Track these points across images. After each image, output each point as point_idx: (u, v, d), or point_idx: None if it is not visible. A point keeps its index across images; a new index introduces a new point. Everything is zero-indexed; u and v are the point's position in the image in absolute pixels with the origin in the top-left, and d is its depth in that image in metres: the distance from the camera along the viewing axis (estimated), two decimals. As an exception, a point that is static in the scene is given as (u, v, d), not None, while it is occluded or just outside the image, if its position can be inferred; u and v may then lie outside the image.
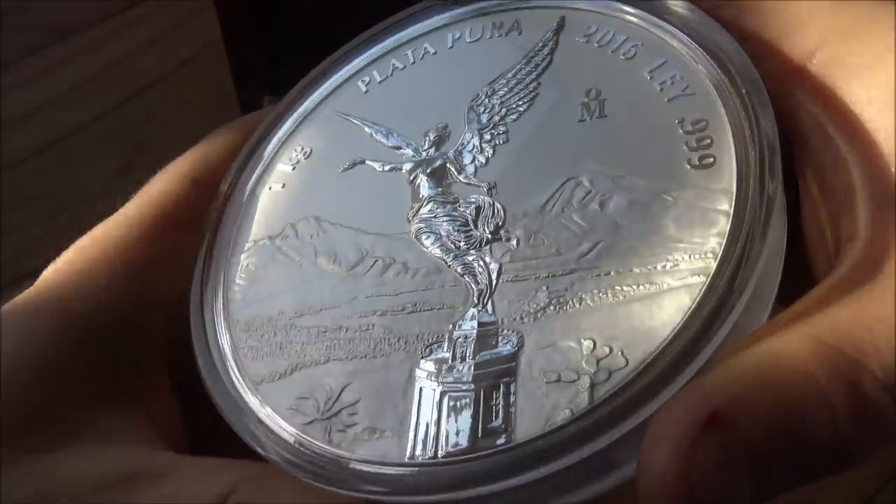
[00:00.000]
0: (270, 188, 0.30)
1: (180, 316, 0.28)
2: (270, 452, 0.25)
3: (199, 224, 0.29)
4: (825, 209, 0.25)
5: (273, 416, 0.25)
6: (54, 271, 0.27)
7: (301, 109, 0.31)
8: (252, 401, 0.26)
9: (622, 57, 0.27)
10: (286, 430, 0.25)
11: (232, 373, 0.26)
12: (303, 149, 0.30)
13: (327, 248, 0.28)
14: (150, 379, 0.27)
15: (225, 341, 0.27)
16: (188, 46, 0.66)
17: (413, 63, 0.30)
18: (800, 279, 0.24)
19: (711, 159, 0.25)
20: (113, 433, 0.25)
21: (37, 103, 0.65)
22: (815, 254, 0.25)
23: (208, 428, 0.27)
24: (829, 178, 0.25)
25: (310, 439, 0.25)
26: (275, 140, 0.30)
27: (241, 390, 0.26)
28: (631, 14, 0.28)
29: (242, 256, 0.29)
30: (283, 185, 0.30)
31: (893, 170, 0.23)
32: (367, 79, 0.31)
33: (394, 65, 0.30)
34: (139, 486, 0.23)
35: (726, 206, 0.24)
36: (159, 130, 0.66)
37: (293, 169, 0.30)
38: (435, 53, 0.30)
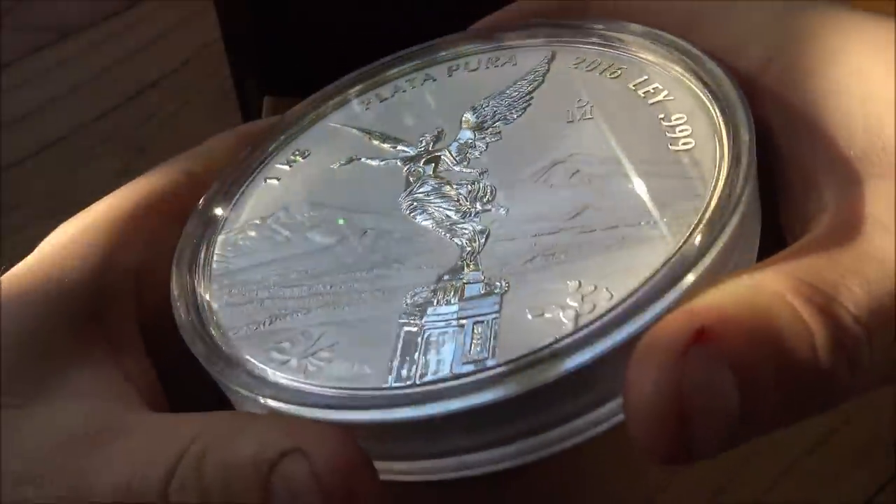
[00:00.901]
0: (266, 181, 0.31)
1: (160, 296, 0.28)
2: (243, 390, 0.25)
3: (186, 213, 0.30)
4: (793, 194, 0.27)
5: (249, 360, 0.26)
6: (45, 243, 0.29)
7: (301, 122, 0.32)
8: (228, 348, 0.26)
9: (609, 77, 0.30)
10: (260, 368, 0.25)
11: (209, 325, 0.27)
12: (300, 151, 0.31)
13: (319, 223, 0.29)
14: (121, 340, 0.28)
15: (203, 300, 0.28)
16: (188, 46, 0.66)
17: (414, 88, 0.32)
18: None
19: (692, 142, 0.27)
20: (86, 390, 0.26)
21: (37, 103, 0.65)
22: (786, 225, 0.27)
23: (188, 398, 0.27)
24: (794, 166, 0.26)
25: (286, 375, 0.25)
26: (272, 144, 0.32)
27: (217, 340, 0.26)
28: (615, 49, 0.30)
29: (231, 236, 0.29)
30: (279, 180, 0.31)
31: (852, 152, 0.25)
32: (367, 100, 0.32)
33: (395, 87, 0.32)
34: (103, 442, 0.24)
35: (708, 177, 0.26)
36: (159, 130, 0.66)
37: (290, 167, 0.31)
38: (435, 80, 0.32)
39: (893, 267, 0.22)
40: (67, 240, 0.29)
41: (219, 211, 0.30)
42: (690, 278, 0.23)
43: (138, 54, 0.67)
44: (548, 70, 0.31)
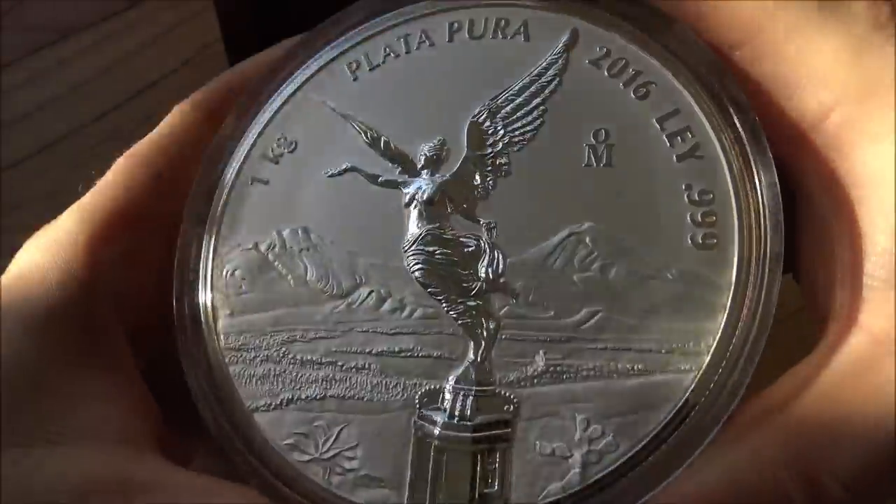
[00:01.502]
0: (252, 183, 0.28)
1: (142, 305, 0.27)
2: (268, 483, 0.25)
3: (160, 220, 0.28)
4: (812, 276, 0.25)
5: (269, 448, 0.25)
6: (12, 274, 0.27)
7: (281, 90, 0.29)
8: (248, 428, 0.26)
9: (633, 95, 0.26)
10: (284, 463, 0.25)
11: (225, 397, 0.26)
12: (286, 139, 0.28)
13: (319, 268, 0.27)
14: (116, 370, 0.27)
15: (216, 360, 0.27)
16: (188, 46, 0.66)
17: (408, 52, 0.28)
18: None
19: (714, 240, 0.24)
20: (94, 430, 0.25)
21: (37, 103, 0.65)
22: (808, 312, 0.26)
23: (180, 413, 0.26)
24: (820, 249, 0.25)
25: (311, 476, 0.25)
26: (254, 126, 0.29)
27: (237, 416, 0.26)
28: (643, 41, 0.26)
29: (226, 261, 0.28)
30: (268, 182, 0.28)
31: (880, 251, 0.23)
32: (355, 64, 0.28)
33: (386, 51, 0.28)
34: (129, 496, 0.23)
35: (724, 298, 0.24)
36: (159, 130, 0.66)
37: (277, 163, 0.28)
38: (432, 45, 0.28)
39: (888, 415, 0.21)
40: (41, 263, 0.27)
41: (209, 225, 0.28)
42: (695, 452, 0.23)
43: (138, 54, 0.67)
44: (565, 63, 0.26)
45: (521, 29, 0.27)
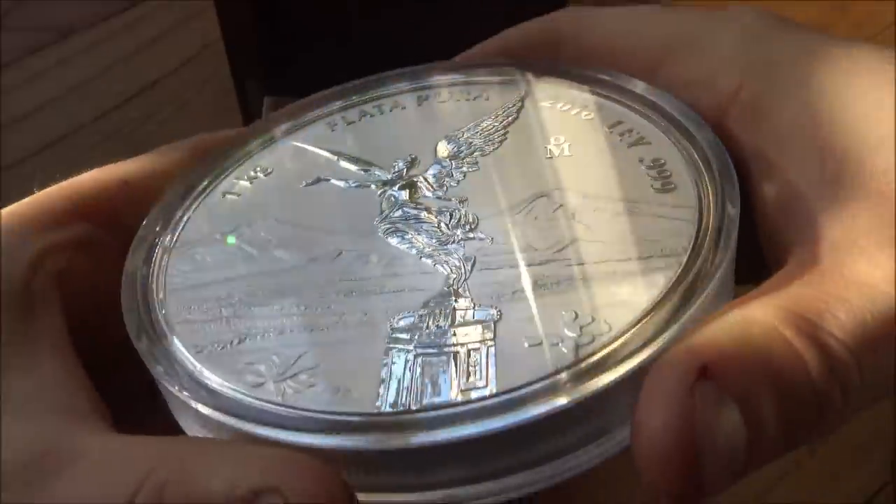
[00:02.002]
0: (225, 196, 0.29)
1: (88, 300, 0.27)
2: (212, 412, 0.23)
3: (118, 221, 0.28)
4: (770, 221, 0.27)
5: (215, 381, 0.23)
6: None
7: (262, 138, 0.30)
8: (190, 365, 0.24)
9: (583, 117, 0.29)
10: (231, 389, 0.23)
11: (167, 343, 0.25)
12: (263, 169, 0.29)
13: (286, 243, 0.27)
14: (57, 348, 0.26)
15: (159, 316, 0.25)
16: (188, 46, 0.66)
17: (382, 114, 0.31)
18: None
19: (672, 185, 0.27)
20: (33, 403, 0.24)
21: (37, 103, 0.65)
22: (767, 261, 0.27)
23: (131, 407, 0.26)
24: (769, 194, 0.27)
25: (263, 397, 0.23)
26: (231, 158, 0.30)
27: (180, 356, 0.24)
28: (589, 91, 0.30)
29: (187, 249, 0.27)
30: (240, 195, 0.29)
31: (827, 178, 0.25)
32: (334, 122, 0.31)
33: (363, 112, 0.31)
34: (53, 467, 0.22)
35: (691, 215, 0.26)
36: (159, 130, 0.66)
37: (251, 184, 0.29)
38: (404, 108, 0.31)
39: (874, 290, 0.23)
40: None
41: (171, 223, 0.28)
42: (689, 313, 0.23)
43: (138, 54, 0.67)
44: (521, 107, 0.30)
45: (482, 93, 0.31)
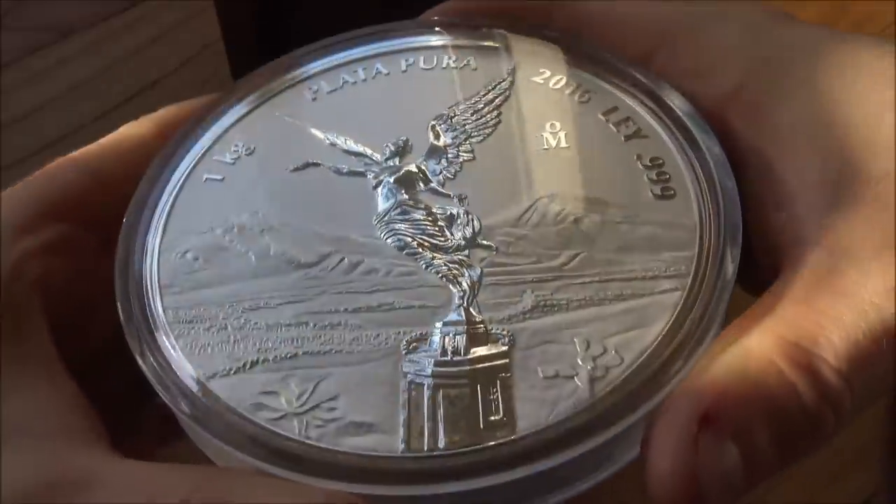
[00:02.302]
0: (206, 179, 0.27)
1: (72, 297, 0.26)
2: (236, 448, 0.22)
3: (93, 218, 0.27)
4: (765, 220, 0.27)
5: (231, 413, 0.23)
6: None
7: (240, 106, 0.29)
8: (202, 394, 0.23)
9: (577, 100, 0.28)
10: (251, 423, 0.23)
11: (177, 369, 0.24)
12: (244, 145, 0.28)
13: (282, 242, 0.26)
14: (45, 368, 0.25)
15: (164, 334, 0.25)
16: (188, 46, 0.66)
17: (364, 80, 0.29)
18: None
19: (672, 192, 0.26)
20: (24, 424, 0.23)
21: (37, 103, 0.65)
22: (760, 259, 0.28)
23: (123, 414, 0.25)
24: (767, 193, 0.27)
25: (284, 432, 0.22)
26: (209, 133, 0.28)
27: (190, 386, 0.24)
28: (576, 65, 0.29)
29: (177, 245, 0.26)
30: (223, 178, 0.27)
31: (824, 180, 0.25)
32: (314, 87, 0.29)
33: (344, 79, 0.29)
34: (60, 499, 0.21)
35: (693, 233, 0.26)
36: (159, 130, 0.66)
37: (233, 163, 0.28)
38: (388, 74, 0.30)
39: (865, 304, 0.23)
40: None
41: (154, 217, 0.26)
42: (697, 351, 0.24)
43: (138, 54, 0.67)
44: (513, 82, 0.29)
45: (469, 62, 0.30)
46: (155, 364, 0.24)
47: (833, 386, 0.23)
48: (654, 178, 0.27)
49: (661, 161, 0.27)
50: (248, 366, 0.24)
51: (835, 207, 0.25)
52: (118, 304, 0.26)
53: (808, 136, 0.26)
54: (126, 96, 0.65)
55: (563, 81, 0.29)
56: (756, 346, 0.23)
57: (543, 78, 0.29)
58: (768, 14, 0.29)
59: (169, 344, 0.25)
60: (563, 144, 0.28)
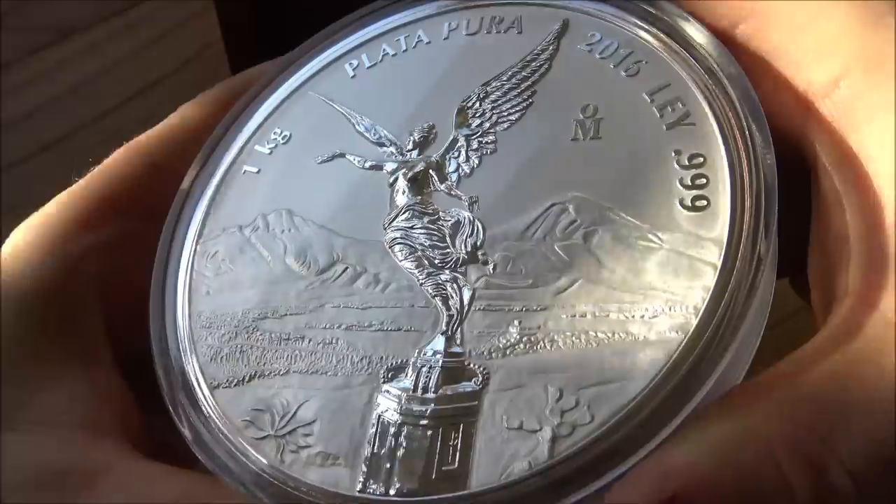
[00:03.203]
0: (245, 171, 0.28)
1: (131, 292, 0.27)
2: (217, 464, 0.24)
3: (155, 210, 0.28)
4: (825, 258, 0.23)
5: (226, 424, 0.24)
6: (3, 253, 0.27)
7: (284, 87, 0.29)
8: (206, 405, 0.25)
9: (623, 73, 0.26)
10: (238, 442, 0.24)
11: (189, 373, 0.25)
12: (282, 132, 0.29)
13: (298, 247, 0.27)
14: (93, 354, 0.26)
15: (185, 336, 0.26)
16: (188, 46, 0.66)
17: (405, 51, 0.29)
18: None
19: (705, 202, 0.23)
20: (58, 416, 0.24)
21: (37, 103, 0.65)
22: (814, 300, 0.24)
23: (161, 411, 0.26)
24: (833, 225, 0.23)
25: (260, 457, 0.24)
26: (253, 120, 0.29)
27: (196, 392, 0.25)
28: (637, 26, 0.26)
29: (210, 244, 0.27)
30: (259, 171, 0.28)
31: (895, 229, 0.22)
32: (355, 62, 0.29)
33: (385, 50, 0.29)
34: (72, 485, 0.22)
35: (715, 258, 0.23)
36: (159, 130, 0.66)
37: (270, 153, 0.28)
38: (429, 43, 0.28)
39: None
40: (24, 246, 0.26)
41: (197, 210, 0.28)
42: (678, 419, 0.21)
43: (138, 54, 0.67)
44: (556, 50, 0.27)
45: (515, 24, 0.28)
46: (170, 365, 0.26)
47: (841, 490, 0.19)
48: (689, 182, 0.24)
49: (701, 159, 0.24)
50: (245, 379, 0.25)
51: (884, 260, 0.21)
52: (150, 307, 0.27)
53: (886, 172, 0.22)
54: (126, 96, 0.65)
55: (613, 48, 0.26)
56: (755, 426, 0.20)
57: (591, 44, 0.26)
58: (877, 4, 0.23)
59: (188, 346, 0.26)
60: (594, 135, 0.25)
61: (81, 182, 0.28)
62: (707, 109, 0.24)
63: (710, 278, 0.22)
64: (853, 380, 0.20)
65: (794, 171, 0.24)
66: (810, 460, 0.19)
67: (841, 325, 0.21)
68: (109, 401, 0.25)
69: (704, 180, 0.24)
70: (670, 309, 0.22)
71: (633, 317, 0.23)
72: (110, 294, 0.27)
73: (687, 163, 0.24)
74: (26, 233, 0.27)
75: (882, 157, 0.22)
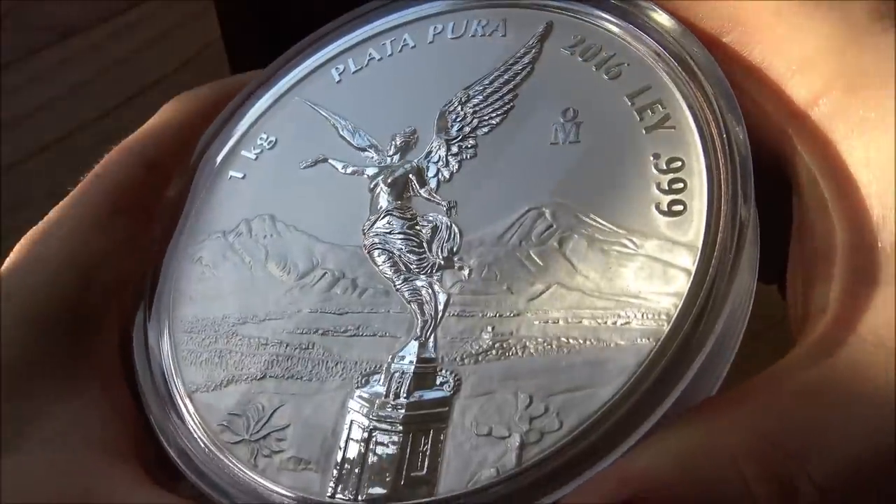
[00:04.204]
0: (231, 177, 0.29)
1: (135, 304, 0.27)
2: (190, 469, 0.24)
3: (152, 210, 0.28)
4: (804, 269, 0.23)
5: (203, 429, 0.25)
6: (7, 267, 0.26)
7: (272, 92, 0.30)
8: (183, 409, 0.25)
9: (605, 76, 0.26)
10: (213, 446, 0.24)
11: (169, 377, 0.26)
12: (268, 137, 0.29)
13: (279, 253, 0.27)
14: (102, 375, 0.26)
15: (165, 340, 0.26)
16: (188, 46, 0.66)
17: (391, 55, 0.29)
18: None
19: (681, 206, 0.23)
20: (60, 434, 0.24)
21: (37, 103, 0.65)
22: (790, 311, 0.24)
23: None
24: (812, 238, 0.23)
25: (234, 463, 0.24)
26: (241, 125, 0.29)
27: (175, 397, 0.25)
28: (620, 28, 0.26)
29: (195, 249, 0.28)
30: (244, 176, 0.29)
31: (879, 244, 0.21)
32: (341, 67, 0.30)
33: (371, 55, 0.29)
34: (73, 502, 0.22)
35: (689, 263, 0.23)
36: (159, 130, 0.66)
37: (256, 158, 0.29)
38: (414, 47, 0.29)
39: (878, 412, 0.19)
40: (33, 258, 0.26)
41: (184, 215, 0.28)
42: (646, 426, 0.21)
43: (138, 54, 0.67)
44: (539, 52, 0.27)
45: (500, 26, 0.28)
46: (150, 369, 0.26)
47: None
48: (667, 187, 0.24)
49: (679, 163, 0.24)
50: (223, 384, 0.25)
51: (871, 281, 0.21)
52: (141, 310, 0.27)
53: (870, 184, 0.22)
54: (126, 96, 0.65)
55: (595, 50, 0.26)
56: (720, 436, 0.19)
57: (572, 46, 0.26)
58: (866, 11, 0.23)
59: (170, 351, 0.26)
60: (573, 138, 0.25)
61: (82, 187, 0.28)
62: (687, 112, 0.24)
63: (682, 284, 0.22)
64: (827, 399, 0.20)
65: (781, 181, 0.24)
66: (776, 474, 0.19)
67: (818, 343, 0.21)
68: (125, 421, 0.25)
69: (682, 184, 0.24)
70: (643, 315, 0.22)
71: (606, 323, 0.23)
72: (123, 297, 0.27)
73: (665, 167, 0.24)
74: (33, 243, 0.26)
75: (866, 175, 0.22)
